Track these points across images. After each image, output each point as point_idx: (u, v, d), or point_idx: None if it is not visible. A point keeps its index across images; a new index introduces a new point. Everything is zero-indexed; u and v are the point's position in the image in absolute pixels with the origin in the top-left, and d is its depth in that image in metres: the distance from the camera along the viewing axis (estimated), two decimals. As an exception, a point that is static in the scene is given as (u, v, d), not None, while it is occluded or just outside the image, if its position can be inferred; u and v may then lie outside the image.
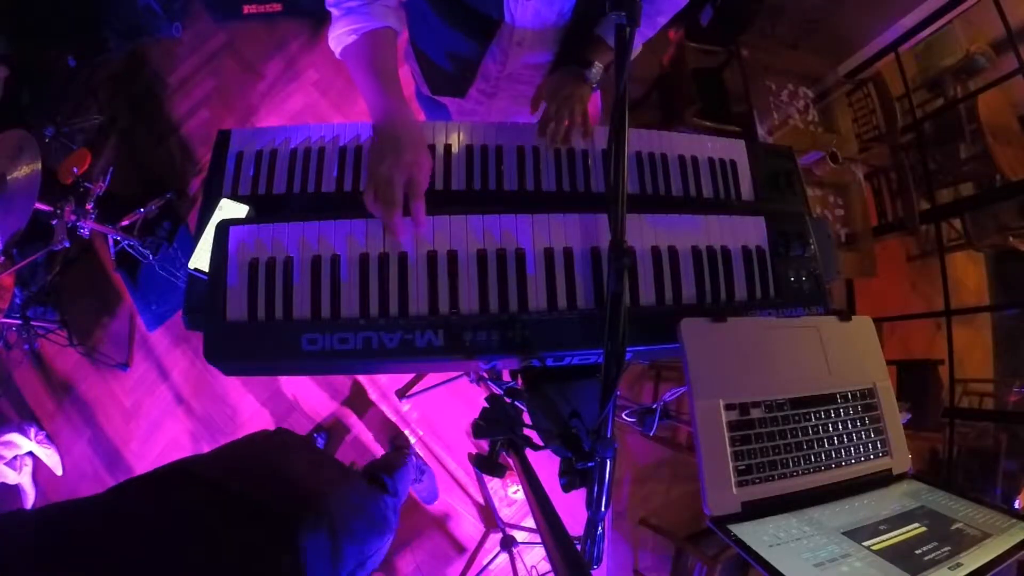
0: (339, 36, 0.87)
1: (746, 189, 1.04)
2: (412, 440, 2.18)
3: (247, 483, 0.83)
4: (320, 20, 2.64)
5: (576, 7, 0.93)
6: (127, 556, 0.60)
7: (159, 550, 0.63)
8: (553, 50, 1.04)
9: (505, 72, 1.09)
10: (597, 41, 0.99)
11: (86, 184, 2.08)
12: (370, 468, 1.79)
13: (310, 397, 2.26)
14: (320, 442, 2.14)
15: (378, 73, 0.85)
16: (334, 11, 0.87)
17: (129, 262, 2.32)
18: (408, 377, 2.24)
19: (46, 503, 2.25)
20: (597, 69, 0.98)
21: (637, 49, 1.00)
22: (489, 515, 2.11)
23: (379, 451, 2.18)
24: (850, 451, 0.80)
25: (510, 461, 0.77)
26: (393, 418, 2.23)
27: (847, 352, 0.85)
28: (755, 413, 0.76)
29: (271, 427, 2.24)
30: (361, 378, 2.27)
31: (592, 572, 0.58)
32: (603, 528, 0.63)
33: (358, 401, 2.25)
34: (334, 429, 2.22)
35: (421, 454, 2.17)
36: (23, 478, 2.19)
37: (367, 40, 0.86)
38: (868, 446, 0.82)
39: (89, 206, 2.01)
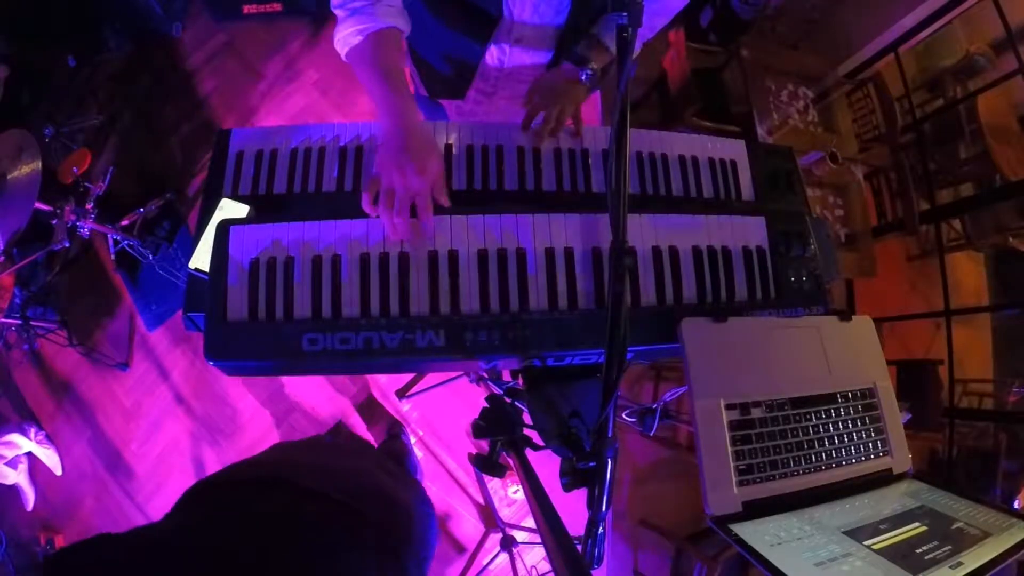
0: (345, 37, 0.86)
1: (746, 189, 1.04)
2: (413, 440, 2.18)
3: (351, 496, 0.81)
4: (320, 20, 2.64)
5: (574, 3, 0.93)
6: (257, 564, 0.58)
7: (285, 558, 0.61)
8: (552, 48, 1.03)
9: (504, 71, 1.09)
10: (594, 42, 0.99)
11: (86, 184, 2.08)
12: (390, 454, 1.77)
13: (310, 397, 2.26)
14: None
15: (385, 74, 0.84)
16: (339, 12, 0.86)
17: (129, 262, 2.32)
18: (408, 377, 2.24)
19: (46, 503, 2.25)
20: (593, 70, 0.98)
21: (636, 51, 1.00)
22: (489, 515, 2.11)
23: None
24: (850, 451, 0.80)
25: (510, 461, 0.76)
26: (393, 417, 2.23)
27: (847, 352, 0.85)
28: (756, 413, 0.76)
29: (272, 428, 2.24)
30: (362, 378, 2.27)
31: (592, 572, 0.58)
32: (603, 528, 0.63)
33: (359, 400, 2.24)
34: (335, 429, 2.22)
35: (414, 442, 2.17)
36: (20, 477, 2.18)
37: (373, 41, 0.85)
38: (868, 446, 0.82)
39: (89, 206, 2.01)
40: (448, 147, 0.95)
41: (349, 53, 0.88)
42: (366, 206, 0.78)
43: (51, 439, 2.28)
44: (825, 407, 0.81)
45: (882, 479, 0.81)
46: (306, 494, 0.76)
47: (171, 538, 0.60)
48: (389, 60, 0.85)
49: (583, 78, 0.98)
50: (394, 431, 2.15)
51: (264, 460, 0.95)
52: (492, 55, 1.04)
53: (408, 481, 1.15)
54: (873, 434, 0.83)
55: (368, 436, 2.20)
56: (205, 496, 0.75)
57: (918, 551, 0.64)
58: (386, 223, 0.77)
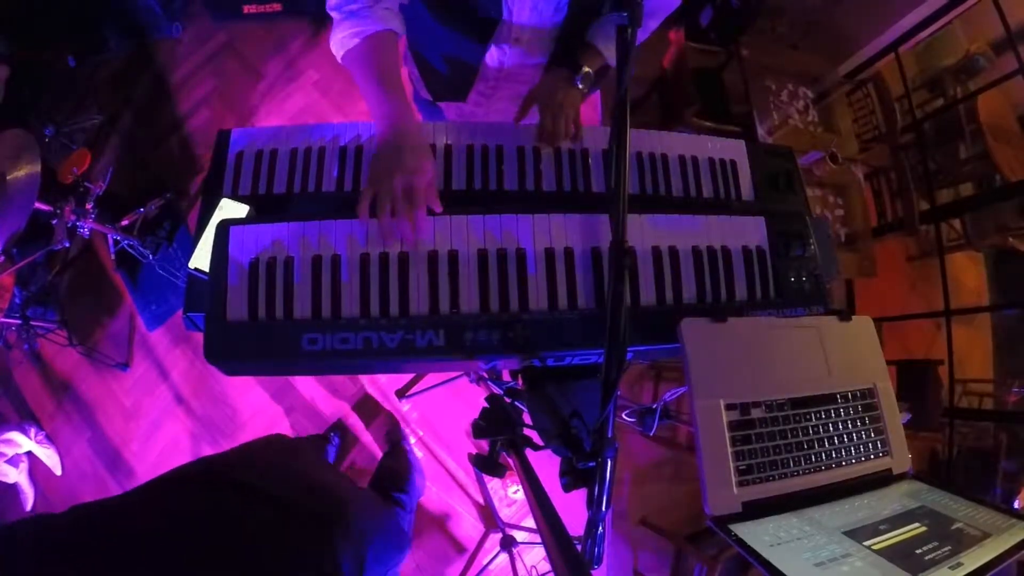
0: (341, 40, 0.86)
1: (746, 189, 1.04)
2: (413, 440, 2.18)
3: (284, 487, 0.83)
4: (320, 20, 2.64)
5: (572, 2, 0.93)
6: (173, 555, 0.60)
7: (202, 550, 0.62)
8: (549, 49, 1.04)
9: (504, 72, 1.09)
10: (588, 47, 1.00)
11: (86, 184, 2.07)
12: (380, 484, 1.77)
13: (310, 397, 2.26)
14: (336, 441, 2.13)
15: (381, 77, 0.84)
16: (335, 15, 0.86)
17: (129, 262, 2.32)
18: (408, 377, 2.24)
19: (46, 503, 2.25)
20: (587, 74, 0.99)
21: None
22: (489, 515, 2.11)
23: (380, 450, 2.18)
24: (850, 451, 0.80)
25: (510, 461, 0.77)
26: (393, 419, 2.23)
27: (847, 352, 0.85)
28: (755, 413, 0.76)
29: (272, 428, 2.24)
30: (361, 378, 2.27)
31: (592, 572, 0.58)
32: (603, 528, 0.63)
33: (358, 401, 2.25)
34: (337, 429, 2.22)
35: (413, 443, 2.17)
36: (20, 476, 2.18)
37: (369, 43, 0.86)
38: (868, 446, 0.82)
39: (89, 206, 2.01)
40: (448, 147, 0.95)
41: (345, 56, 0.88)
42: (361, 211, 0.78)
43: (51, 439, 2.28)
44: (825, 407, 0.81)
45: (882, 479, 0.81)
46: (234, 487, 0.78)
47: (100, 521, 0.63)
48: (385, 63, 0.86)
49: (577, 82, 0.98)
50: (394, 437, 2.14)
51: (206, 457, 0.98)
52: (492, 56, 1.05)
53: (343, 479, 1.17)
54: (873, 434, 0.83)
55: (367, 436, 2.20)
56: (151, 487, 0.78)
57: (918, 551, 0.64)
58: (380, 227, 0.78)
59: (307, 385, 2.27)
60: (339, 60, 0.89)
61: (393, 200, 0.77)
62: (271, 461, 1.00)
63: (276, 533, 0.74)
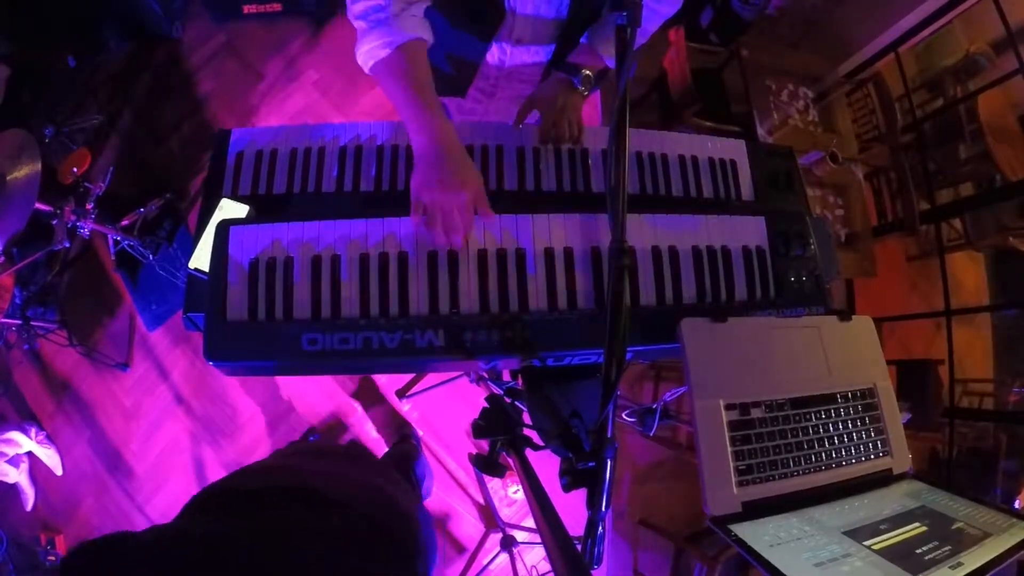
0: (371, 50, 0.85)
1: (746, 189, 1.04)
2: (421, 434, 2.18)
3: (375, 510, 0.80)
4: (320, 20, 2.64)
5: (572, 3, 0.93)
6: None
7: (298, 569, 0.60)
8: (549, 48, 1.04)
9: (504, 71, 1.09)
10: (587, 49, 1.00)
11: (86, 184, 2.07)
12: (397, 463, 1.76)
13: (311, 397, 2.26)
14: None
15: (416, 88, 0.83)
16: (361, 24, 0.85)
17: (129, 262, 2.32)
18: (408, 377, 2.24)
19: (45, 503, 2.25)
20: (587, 76, 0.99)
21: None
22: (489, 515, 2.11)
23: (381, 449, 2.18)
24: (850, 451, 0.80)
25: (510, 461, 0.76)
26: (402, 418, 2.23)
27: (847, 352, 0.85)
28: (755, 413, 0.76)
29: (272, 428, 2.24)
30: (361, 377, 2.27)
31: (592, 572, 0.58)
32: (603, 528, 0.63)
33: (358, 401, 2.25)
34: (334, 429, 2.22)
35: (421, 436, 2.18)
36: (21, 476, 2.18)
37: (401, 53, 0.84)
38: (868, 446, 0.82)
39: (89, 206, 2.01)
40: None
41: (375, 66, 0.86)
42: (418, 224, 0.80)
43: (51, 439, 2.28)
44: (825, 407, 0.81)
45: (882, 479, 0.81)
46: (332, 506, 0.75)
47: (197, 543, 0.58)
48: (419, 73, 0.84)
49: (576, 84, 0.98)
50: (405, 431, 2.15)
51: (282, 466, 0.93)
52: (493, 54, 1.05)
53: (411, 492, 1.14)
54: (873, 434, 0.83)
55: (378, 437, 2.20)
56: (222, 502, 0.74)
57: (918, 551, 0.64)
58: (438, 239, 0.79)
59: (308, 385, 2.27)
60: (367, 71, 0.88)
61: (445, 214, 0.77)
62: (356, 479, 0.96)
63: (368, 554, 0.71)
